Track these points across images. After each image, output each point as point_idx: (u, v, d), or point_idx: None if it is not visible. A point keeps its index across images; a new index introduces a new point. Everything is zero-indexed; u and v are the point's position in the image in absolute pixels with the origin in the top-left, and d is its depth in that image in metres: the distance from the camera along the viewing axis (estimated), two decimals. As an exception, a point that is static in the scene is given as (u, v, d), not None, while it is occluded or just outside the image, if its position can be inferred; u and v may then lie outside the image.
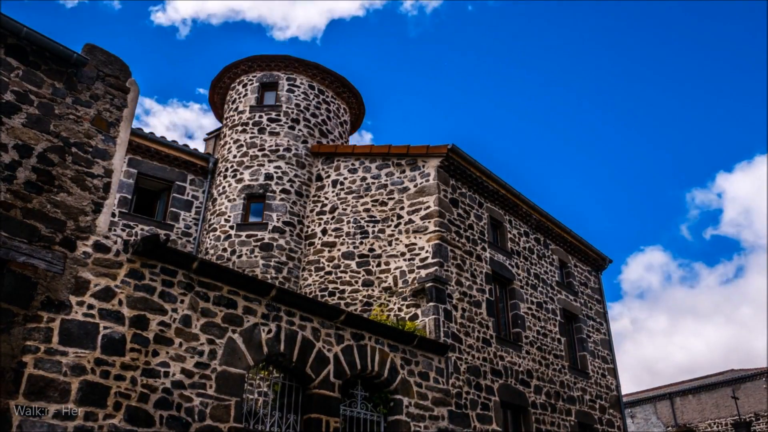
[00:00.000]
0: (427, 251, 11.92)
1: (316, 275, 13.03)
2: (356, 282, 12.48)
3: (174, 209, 14.47)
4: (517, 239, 14.74)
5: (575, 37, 71.60)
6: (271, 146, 14.63)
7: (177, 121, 60.07)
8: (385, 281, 12.15)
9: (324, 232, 13.53)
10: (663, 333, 79.59)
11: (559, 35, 70.70)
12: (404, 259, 12.14)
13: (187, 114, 61.87)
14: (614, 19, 69.92)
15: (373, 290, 12.22)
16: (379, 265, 12.42)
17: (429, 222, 12.24)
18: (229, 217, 13.82)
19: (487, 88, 74.71)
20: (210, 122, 65.56)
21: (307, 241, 13.72)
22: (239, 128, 15.12)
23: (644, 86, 73.50)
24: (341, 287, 12.56)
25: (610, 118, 76.01)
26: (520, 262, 14.45)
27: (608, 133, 77.00)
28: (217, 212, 14.10)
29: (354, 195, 13.58)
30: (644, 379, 73.08)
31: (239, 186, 14.20)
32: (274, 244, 13.37)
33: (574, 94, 74.77)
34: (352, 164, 14.01)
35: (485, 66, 72.98)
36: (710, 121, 75.53)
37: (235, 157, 14.71)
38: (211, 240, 13.78)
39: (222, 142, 15.62)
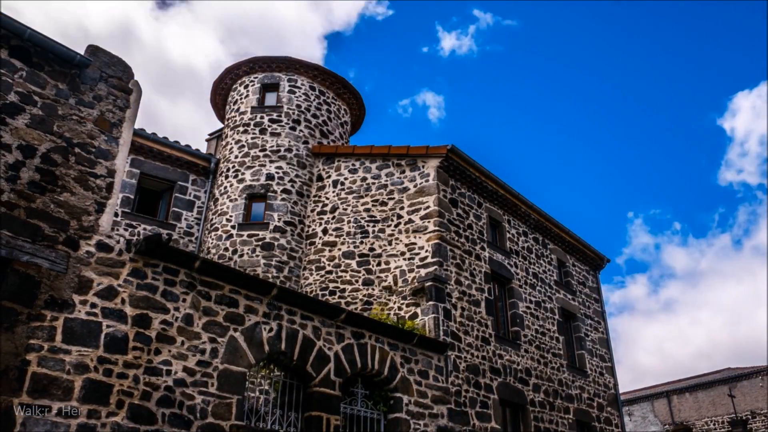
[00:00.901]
0: (426, 251, 11.99)
1: (317, 274, 13.10)
2: (356, 281, 12.55)
3: (176, 209, 14.55)
4: (515, 239, 14.81)
5: (573, 35, 71.64)
6: (272, 147, 14.70)
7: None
8: (385, 280, 12.22)
9: (325, 231, 13.60)
10: (672, 310, 78.20)
11: (558, 34, 70.75)
12: (404, 259, 12.21)
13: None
14: (612, 18, 69.95)
15: (373, 289, 12.29)
16: (379, 264, 12.49)
17: (429, 222, 12.31)
18: (231, 216, 13.89)
19: (486, 88, 74.78)
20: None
21: (308, 241, 13.79)
22: (241, 129, 15.19)
23: (642, 82, 73.51)
24: (342, 286, 12.63)
25: (608, 115, 76.02)
26: (519, 261, 14.52)
27: (607, 130, 77.00)
28: (219, 212, 14.18)
29: (354, 195, 13.65)
30: (652, 366, 72.16)
31: (241, 186, 14.27)
32: (276, 243, 13.45)
33: (572, 93, 74.79)
34: (353, 164, 14.08)
35: (484, 66, 73.06)
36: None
37: (236, 157, 14.78)
38: (212, 239, 13.86)
39: (223, 143, 15.69)
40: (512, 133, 76.55)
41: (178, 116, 61.27)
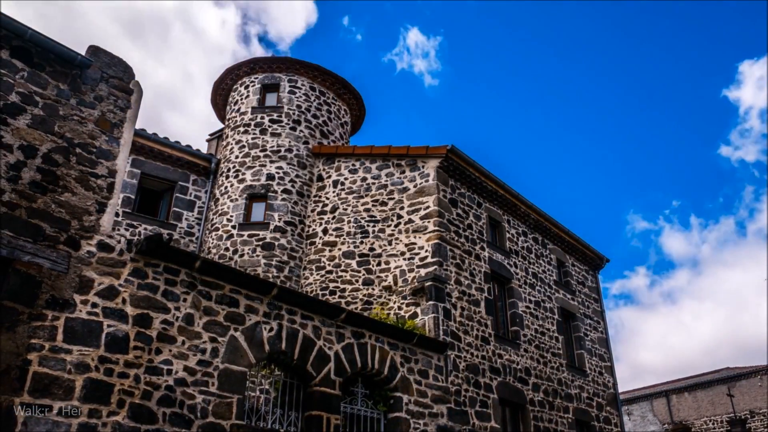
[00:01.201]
0: (426, 250, 12.02)
1: (317, 274, 13.13)
2: (357, 281, 12.57)
3: (177, 209, 14.58)
4: (515, 239, 14.84)
5: (572, 36, 71.68)
6: (272, 147, 14.74)
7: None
8: (386, 280, 12.25)
9: (325, 231, 13.63)
10: (673, 302, 77.02)
11: (557, 35, 70.79)
12: (404, 259, 12.24)
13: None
14: (613, 19, 69.98)
15: (373, 289, 12.32)
16: (379, 264, 12.52)
17: (428, 222, 12.34)
18: (231, 216, 13.92)
19: (486, 88, 74.82)
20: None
21: (308, 241, 13.82)
22: (241, 129, 15.22)
23: (641, 88, 73.58)
24: (342, 286, 12.66)
25: (605, 102, 76.06)
26: (519, 261, 14.55)
27: (607, 131, 77.06)
28: (220, 212, 14.21)
29: (354, 195, 13.68)
30: (652, 363, 71.53)
31: (241, 186, 14.30)
32: (276, 243, 13.47)
33: (571, 93, 74.86)
34: (353, 165, 14.11)
35: (483, 67, 73.09)
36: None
37: (237, 157, 14.81)
38: (213, 239, 13.88)
39: (224, 143, 15.72)
40: (511, 130, 76.59)
41: (149, 61, 58.37)
